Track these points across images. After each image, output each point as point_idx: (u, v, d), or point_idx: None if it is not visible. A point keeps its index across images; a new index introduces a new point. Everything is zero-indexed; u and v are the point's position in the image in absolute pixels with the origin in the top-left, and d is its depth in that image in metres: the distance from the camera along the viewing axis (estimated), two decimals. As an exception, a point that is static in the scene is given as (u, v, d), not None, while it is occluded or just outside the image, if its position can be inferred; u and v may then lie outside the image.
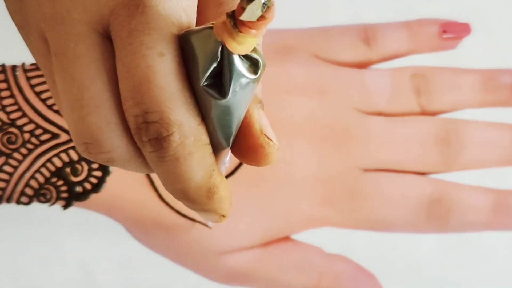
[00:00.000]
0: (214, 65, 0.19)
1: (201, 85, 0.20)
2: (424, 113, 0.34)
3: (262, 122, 0.22)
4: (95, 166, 0.31)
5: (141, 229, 0.32)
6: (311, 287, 0.33)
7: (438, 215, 0.33)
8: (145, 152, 0.21)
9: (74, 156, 0.31)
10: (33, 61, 0.31)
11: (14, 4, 0.22)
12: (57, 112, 0.31)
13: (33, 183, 0.30)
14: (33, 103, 0.30)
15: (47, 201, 0.31)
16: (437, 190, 0.33)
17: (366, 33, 0.34)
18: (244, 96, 0.20)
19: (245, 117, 0.21)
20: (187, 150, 0.21)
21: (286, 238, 0.33)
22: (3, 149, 0.30)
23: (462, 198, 0.33)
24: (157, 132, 0.20)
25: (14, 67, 0.31)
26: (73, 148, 0.31)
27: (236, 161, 0.32)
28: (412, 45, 0.35)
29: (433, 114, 0.34)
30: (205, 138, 0.21)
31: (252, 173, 0.32)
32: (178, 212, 0.31)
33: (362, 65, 0.34)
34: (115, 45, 0.20)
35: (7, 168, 0.30)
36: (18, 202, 0.31)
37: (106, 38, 0.20)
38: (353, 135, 0.33)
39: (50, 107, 0.31)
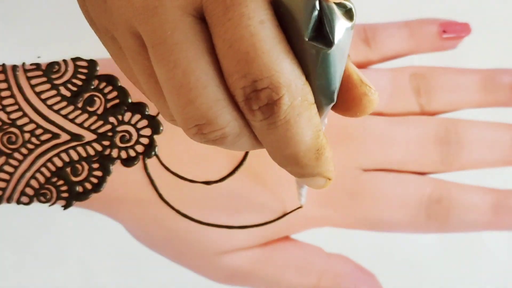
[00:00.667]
0: (315, 15, 0.20)
1: (306, 39, 0.20)
2: (423, 113, 0.34)
3: (357, 70, 0.22)
4: (95, 166, 0.31)
5: (141, 229, 0.32)
6: (311, 287, 0.33)
7: (438, 215, 0.33)
8: (255, 122, 0.21)
9: (75, 156, 0.31)
10: (33, 61, 0.31)
11: (98, 8, 0.23)
12: (57, 112, 0.31)
13: (33, 183, 0.30)
14: (33, 103, 0.30)
15: (47, 201, 0.31)
16: (437, 190, 0.33)
17: (366, 33, 0.34)
18: (345, 43, 0.20)
19: (346, 71, 0.22)
20: (297, 111, 0.21)
21: (286, 238, 0.34)
22: (4, 149, 0.30)
23: (462, 198, 0.33)
24: (268, 97, 0.21)
25: (14, 67, 0.31)
26: (73, 148, 0.31)
27: (236, 161, 0.32)
28: (412, 45, 0.35)
29: (433, 114, 0.34)
30: (310, 97, 0.21)
31: (252, 172, 0.32)
32: (178, 212, 0.31)
33: (362, 65, 0.34)
34: (211, 24, 0.20)
35: (7, 168, 0.30)
36: (19, 202, 0.31)
37: (200, 19, 0.21)
38: (353, 135, 0.33)
39: (50, 107, 0.31)
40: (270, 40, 0.20)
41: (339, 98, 0.22)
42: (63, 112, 0.31)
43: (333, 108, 0.23)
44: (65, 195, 0.31)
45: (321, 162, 0.23)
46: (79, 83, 0.31)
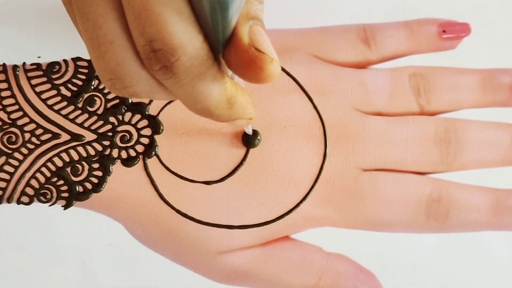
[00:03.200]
0: None
1: None
2: (423, 113, 0.34)
3: (254, 37, 0.22)
4: (95, 166, 0.31)
5: (141, 229, 0.32)
6: (311, 286, 0.33)
7: (438, 215, 0.33)
8: (160, 80, 0.22)
9: (75, 156, 0.31)
10: (33, 61, 0.32)
11: None
12: (57, 112, 0.31)
13: (33, 182, 0.30)
14: (33, 103, 0.30)
15: (47, 201, 0.31)
16: (437, 190, 0.33)
17: (365, 33, 0.34)
18: None
19: (234, 33, 0.22)
20: (199, 70, 0.21)
21: (286, 238, 0.34)
22: (4, 148, 0.30)
23: (462, 198, 0.33)
24: (165, 59, 0.21)
25: (15, 67, 0.31)
26: (73, 148, 0.31)
27: (236, 161, 0.32)
28: (411, 45, 0.35)
29: (432, 114, 0.34)
30: (211, 55, 0.22)
31: (252, 173, 0.32)
32: (178, 212, 0.31)
33: (362, 66, 0.34)
34: None
35: (7, 167, 0.30)
36: (19, 202, 0.31)
37: None
38: (353, 135, 0.33)
39: (50, 107, 0.31)
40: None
41: (232, 63, 0.22)
42: (64, 112, 0.31)
43: (234, 72, 0.23)
44: (65, 195, 0.31)
45: (235, 109, 0.24)
46: (80, 83, 0.31)
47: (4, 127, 0.30)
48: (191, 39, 0.21)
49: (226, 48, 0.22)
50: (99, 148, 0.31)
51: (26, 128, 0.30)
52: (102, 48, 0.22)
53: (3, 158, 0.30)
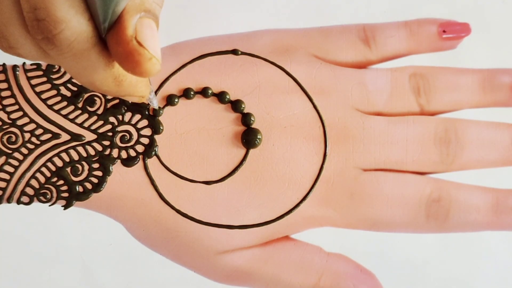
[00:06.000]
0: None
1: None
2: (423, 113, 0.34)
3: (141, 29, 0.22)
4: (95, 166, 0.31)
5: (141, 229, 0.32)
6: (311, 286, 0.33)
7: (438, 215, 0.33)
8: (44, 49, 0.22)
9: (75, 156, 0.31)
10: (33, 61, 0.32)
11: None
12: (57, 111, 0.31)
13: (33, 182, 0.30)
14: (33, 103, 0.30)
15: (47, 201, 0.31)
16: (437, 190, 0.33)
17: (365, 33, 0.34)
18: None
19: (118, 21, 0.21)
20: (82, 47, 0.21)
21: (286, 238, 0.34)
22: (4, 148, 0.30)
23: (462, 198, 0.33)
24: (47, 30, 0.21)
25: (14, 67, 0.31)
26: (73, 148, 0.31)
27: (236, 161, 0.32)
28: (411, 45, 0.35)
29: (432, 114, 0.34)
30: (96, 34, 0.22)
31: (252, 173, 0.32)
32: (178, 211, 0.31)
33: (362, 66, 0.34)
34: None
35: (7, 167, 0.30)
36: (19, 202, 0.31)
37: None
38: (353, 135, 0.33)
39: (50, 107, 0.31)
40: None
41: (113, 48, 0.22)
42: (63, 112, 0.31)
43: (114, 59, 0.23)
44: (65, 195, 0.31)
45: (124, 87, 0.24)
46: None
47: (4, 127, 0.30)
48: (76, 14, 0.21)
49: (108, 33, 0.22)
50: (99, 148, 0.31)
51: (26, 128, 0.30)
52: None
53: (3, 158, 0.30)
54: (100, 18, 0.21)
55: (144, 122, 0.31)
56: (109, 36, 0.22)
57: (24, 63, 0.31)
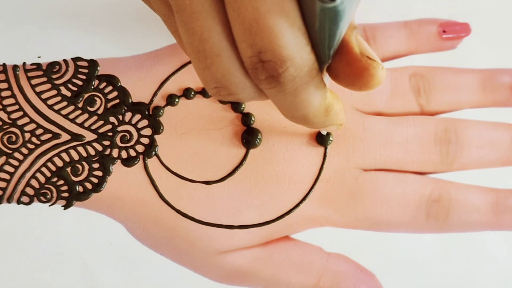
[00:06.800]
0: None
1: None
2: (423, 113, 0.34)
3: (362, 46, 0.23)
4: (95, 166, 0.31)
5: (141, 229, 0.32)
6: (311, 286, 0.33)
7: (438, 215, 0.33)
8: (264, 89, 0.22)
9: (75, 156, 0.31)
10: (33, 61, 0.32)
11: None
12: (57, 111, 0.31)
13: (33, 182, 0.30)
14: (33, 103, 0.30)
15: (47, 201, 0.31)
16: (437, 190, 0.33)
17: (366, 33, 0.34)
18: (349, 5, 0.20)
19: (344, 43, 0.22)
20: (303, 81, 0.22)
21: (286, 238, 0.34)
22: (4, 148, 0.30)
23: (462, 198, 0.33)
24: (272, 70, 0.21)
25: (15, 67, 0.31)
26: (74, 148, 0.31)
27: (236, 161, 0.32)
28: (411, 45, 0.35)
29: (432, 114, 0.34)
30: (316, 65, 0.22)
31: (252, 173, 0.32)
32: (178, 211, 0.31)
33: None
34: None
35: (7, 167, 0.30)
36: (19, 202, 0.31)
37: None
38: (353, 135, 0.33)
39: (50, 107, 0.31)
40: (275, 11, 0.21)
41: (342, 73, 0.23)
42: (64, 112, 0.31)
43: (339, 82, 0.23)
44: (65, 195, 0.31)
45: (330, 117, 0.25)
46: (80, 83, 0.31)
47: (4, 127, 0.30)
48: (299, 50, 0.21)
49: (333, 59, 0.22)
50: (99, 148, 0.31)
51: (26, 128, 0.30)
52: (208, 60, 0.22)
53: (3, 158, 0.30)
54: (327, 47, 0.22)
55: (144, 122, 0.31)
56: (335, 61, 0.23)
57: (24, 63, 0.31)
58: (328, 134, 0.32)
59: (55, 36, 0.45)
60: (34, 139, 0.30)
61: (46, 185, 0.31)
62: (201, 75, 0.23)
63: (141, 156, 0.31)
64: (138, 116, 0.31)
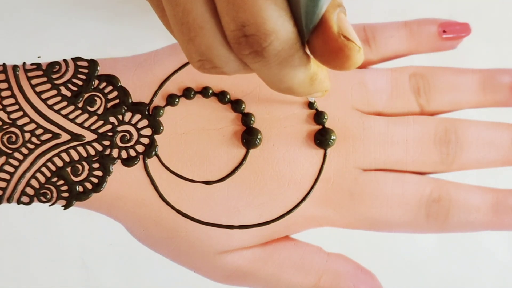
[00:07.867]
0: None
1: None
2: (423, 113, 0.34)
3: (342, 25, 0.22)
4: (95, 165, 0.31)
5: (141, 229, 0.32)
6: (311, 286, 0.33)
7: (438, 215, 0.33)
8: (248, 63, 0.22)
9: (75, 156, 0.31)
10: (33, 61, 0.32)
11: None
12: (57, 111, 0.31)
13: (33, 182, 0.30)
14: (33, 103, 0.30)
15: (47, 201, 0.31)
16: (437, 190, 0.33)
17: (365, 33, 0.34)
18: None
19: (323, 20, 0.22)
20: (288, 54, 0.22)
21: (286, 238, 0.34)
22: (4, 148, 0.30)
23: (462, 198, 0.33)
24: (256, 45, 0.21)
25: (15, 67, 0.31)
26: (74, 148, 0.31)
27: (236, 161, 0.32)
28: (411, 45, 0.35)
29: (432, 114, 0.34)
30: (299, 38, 0.22)
31: (252, 173, 0.32)
32: (178, 211, 0.31)
33: (362, 66, 0.34)
34: None
35: (7, 167, 0.30)
36: (19, 202, 0.31)
37: None
38: (353, 135, 0.33)
39: (50, 107, 0.31)
40: None
41: (318, 49, 0.23)
42: (64, 112, 0.31)
43: (316, 58, 0.23)
44: (65, 195, 0.31)
45: (315, 85, 0.25)
46: (80, 83, 0.31)
47: (4, 127, 0.30)
48: (283, 23, 0.21)
49: (312, 35, 0.22)
50: (99, 148, 0.31)
51: (26, 128, 0.30)
52: (192, 33, 0.22)
53: (3, 158, 0.30)
54: (304, 22, 0.22)
55: (144, 122, 0.31)
56: (313, 37, 0.22)
57: (24, 63, 0.31)
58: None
59: (55, 36, 0.45)
60: (34, 139, 0.30)
61: (46, 185, 0.31)
62: (185, 48, 0.23)
63: (141, 156, 0.31)
64: (138, 116, 0.31)
